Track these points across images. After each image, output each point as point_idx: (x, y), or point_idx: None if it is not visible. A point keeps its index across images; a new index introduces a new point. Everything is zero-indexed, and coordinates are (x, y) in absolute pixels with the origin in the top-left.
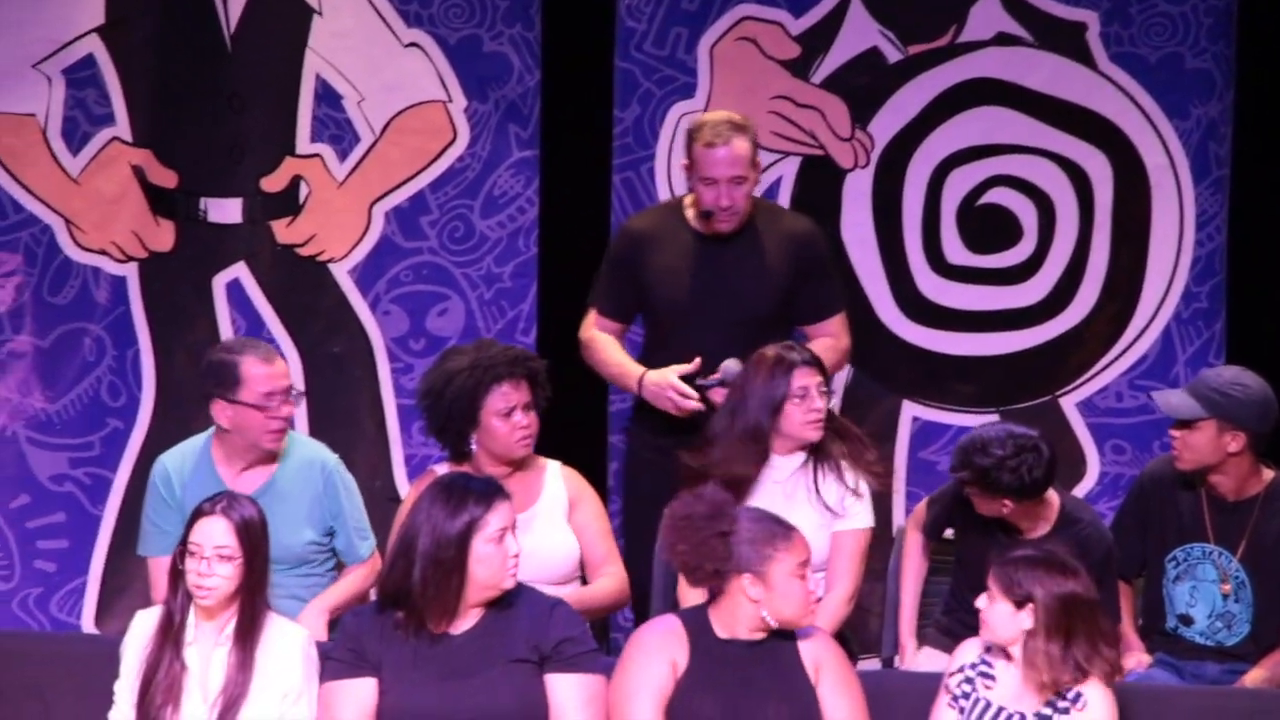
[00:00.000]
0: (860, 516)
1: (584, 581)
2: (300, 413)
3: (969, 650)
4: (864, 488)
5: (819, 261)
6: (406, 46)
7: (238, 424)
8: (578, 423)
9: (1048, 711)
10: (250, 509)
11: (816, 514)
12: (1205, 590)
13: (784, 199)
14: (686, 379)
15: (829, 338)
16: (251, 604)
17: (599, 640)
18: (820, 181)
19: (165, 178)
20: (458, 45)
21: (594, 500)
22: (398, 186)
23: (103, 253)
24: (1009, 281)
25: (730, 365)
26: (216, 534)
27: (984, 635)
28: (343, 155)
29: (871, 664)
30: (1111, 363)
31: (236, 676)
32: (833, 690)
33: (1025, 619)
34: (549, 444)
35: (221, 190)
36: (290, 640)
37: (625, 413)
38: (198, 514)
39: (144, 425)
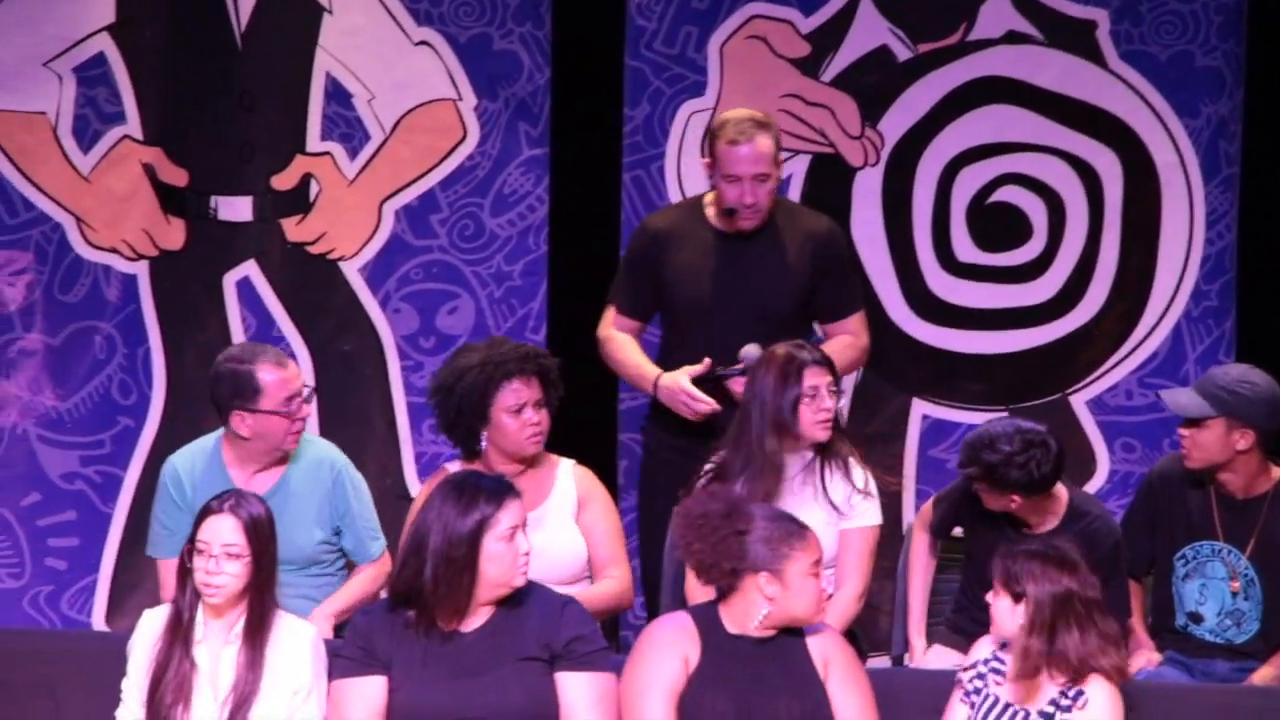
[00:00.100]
0: (868, 514)
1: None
2: (310, 411)
3: (984, 646)
4: (873, 487)
5: (838, 260)
6: (417, 45)
7: (259, 431)
8: (588, 421)
9: (1050, 709)
10: (258, 507)
11: (823, 512)
12: (1214, 588)
13: (794, 197)
14: (705, 376)
15: (848, 335)
16: (260, 602)
17: (609, 638)
18: (830, 180)
19: (176, 176)
20: (468, 43)
21: (603, 501)
22: (408, 185)
23: (113, 251)
24: (1019, 280)
25: (750, 350)
26: (225, 532)
27: (993, 630)
28: (353, 153)
29: (881, 662)
30: (1121, 361)
31: (246, 675)
32: (842, 686)
33: (1021, 613)
34: (559, 442)
35: (232, 188)
36: (299, 638)
37: (635, 411)
38: (205, 512)
39: (154, 423)
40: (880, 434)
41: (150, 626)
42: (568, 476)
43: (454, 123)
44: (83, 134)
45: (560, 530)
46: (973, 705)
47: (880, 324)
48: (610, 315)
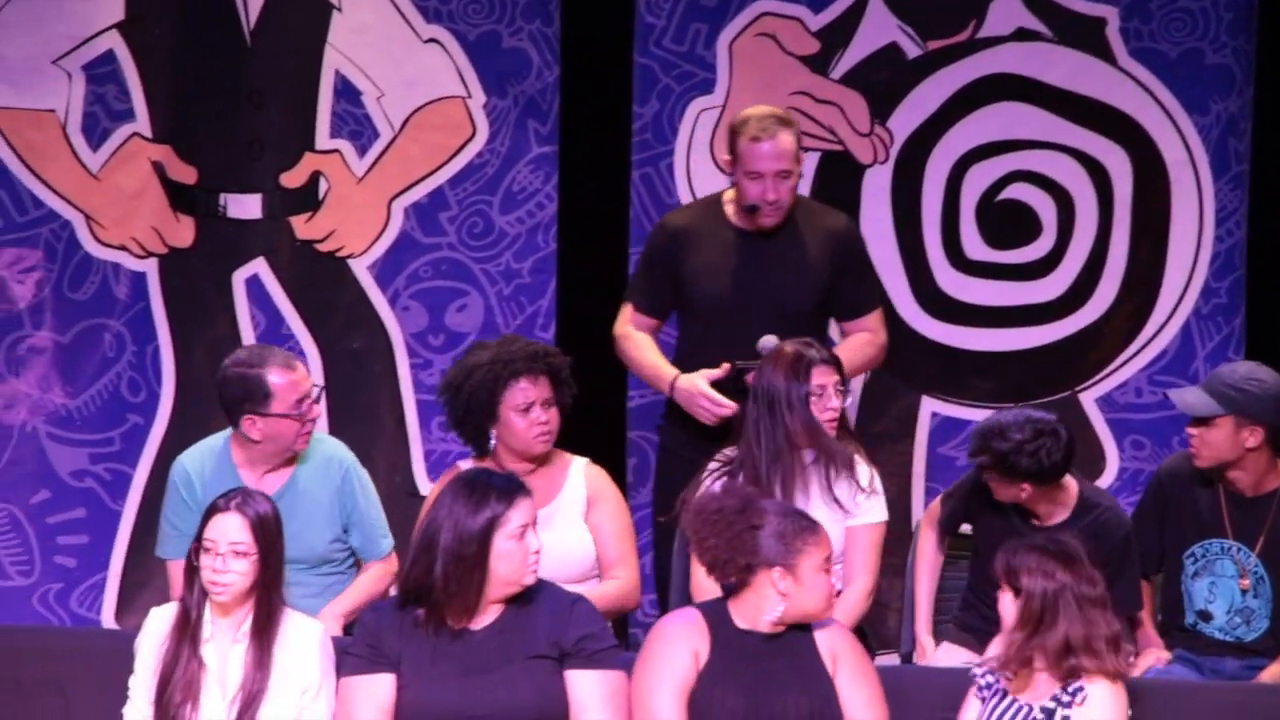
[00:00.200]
0: (874, 511)
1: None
2: (321, 411)
3: (999, 642)
4: (879, 484)
5: (858, 257)
6: (426, 42)
7: (270, 434)
8: (597, 419)
9: (1051, 705)
10: (265, 505)
11: (827, 509)
12: (1224, 586)
13: (803, 194)
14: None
15: (867, 333)
16: (268, 600)
17: (618, 636)
18: (839, 177)
19: (185, 173)
20: (477, 41)
21: (613, 500)
22: (417, 182)
23: (123, 248)
24: (1028, 277)
25: (768, 341)
26: (231, 530)
27: (1002, 624)
28: (362, 151)
29: (890, 660)
30: (1131, 358)
31: (255, 673)
32: (850, 681)
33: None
34: (569, 439)
35: (241, 186)
36: (307, 636)
37: (645, 409)
38: (212, 510)
39: (164, 421)
40: (889, 432)
41: (158, 625)
42: (579, 475)
43: (463, 120)
44: (92, 132)
45: (569, 529)
46: (984, 700)
47: (889, 321)
48: (627, 313)
